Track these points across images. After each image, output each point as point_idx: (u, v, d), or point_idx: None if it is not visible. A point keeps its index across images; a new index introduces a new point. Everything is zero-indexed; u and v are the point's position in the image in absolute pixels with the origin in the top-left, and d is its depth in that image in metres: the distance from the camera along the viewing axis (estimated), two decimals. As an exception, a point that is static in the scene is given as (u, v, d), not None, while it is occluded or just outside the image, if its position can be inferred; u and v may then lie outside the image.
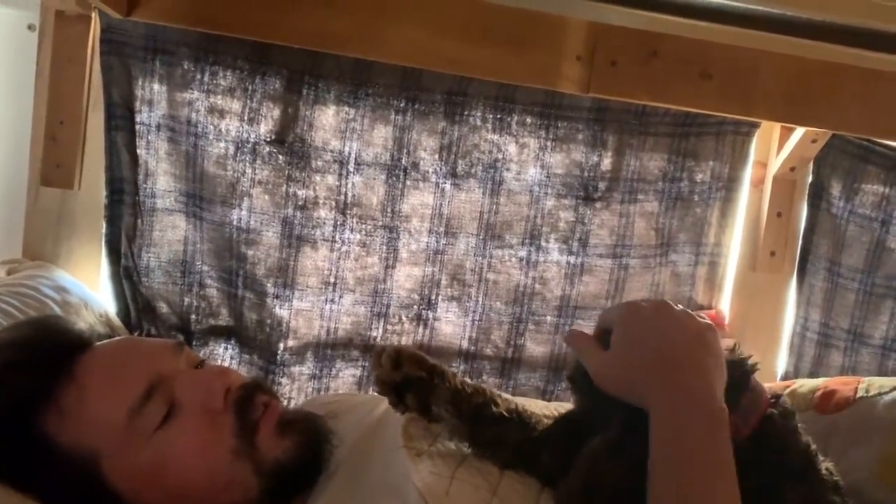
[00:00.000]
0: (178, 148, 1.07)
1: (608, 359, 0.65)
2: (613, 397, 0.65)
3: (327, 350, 1.14)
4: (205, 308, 1.12)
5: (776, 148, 1.26)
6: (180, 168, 1.07)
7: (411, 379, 0.76)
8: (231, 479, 0.73)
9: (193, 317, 1.12)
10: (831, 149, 1.25)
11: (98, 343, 0.79)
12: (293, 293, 1.10)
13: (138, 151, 1.06)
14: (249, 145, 1.06)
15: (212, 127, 1.05)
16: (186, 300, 1.12)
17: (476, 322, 1.18)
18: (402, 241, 1.13)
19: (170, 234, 1.10)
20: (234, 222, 1.08)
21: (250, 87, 1.05)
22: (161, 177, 1.08)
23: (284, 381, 1.13)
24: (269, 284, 1.09)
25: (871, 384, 0.96)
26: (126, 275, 1.09)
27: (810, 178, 1.28)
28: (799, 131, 1.20)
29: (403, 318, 1.16)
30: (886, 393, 0.92)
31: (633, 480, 0.62)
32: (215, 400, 0.74)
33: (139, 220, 1.08)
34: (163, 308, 1.12)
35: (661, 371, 0.61)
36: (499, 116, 1.12)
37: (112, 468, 0.71)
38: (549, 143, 1.14)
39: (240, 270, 1.09)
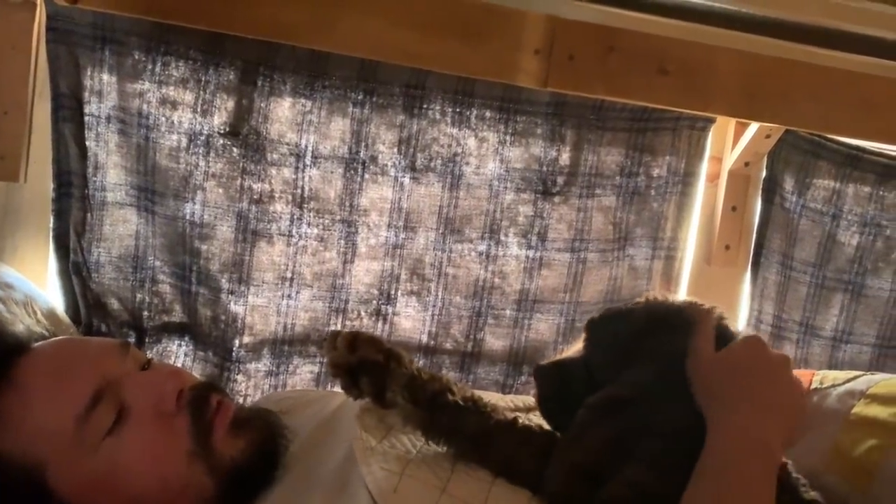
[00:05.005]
0: (128, 140, 1.04)
1: (713, 357, 0.71)
2: (620, 355, 0.73)
3: (284, 346, 1.13)
4: (157, 304, 1.10)
5: (731, 143, 1.28)
6: (131, 161, 1.05)
7: (367, 362, 0.75)
8: (186, 483, 0.71)
9: (146, 313, 1.10)
10: (784, 144, 1.27)
11: (37, 345, 0.76)
12: (248, 289, 1.08)
13: (87, 143, 1.03)
14: (203, 138, 1.04)
15: (164, 119, 1.03)
16: (138, 296, 1.09)
17: (435, 316, 1.17)
18: (361, 235, 1.12)
19: (121, 228, 1.07)
20: (188, 216, 1.05)
21: (203, 78, 1.03)
22: (111, 169, 1.05)
23: (240, 378, 1.11)
24: (223, 280, 1.07)
25: (826, 377, 0.98)
26: (75, 270, 1.06)
27: (764, 174, 1.30)
28: (753, 127, 1.22)
29: (362, 314, 1.15)
30: (840, 385, 0.95)
31: (617, 447, 0.67)
32: (168, 403, 0.72)
33: (88, 214, 1.05)
34: (114, 304, 1.09)
35: (743, 401, 0.68)
36: (458, 110, 1.11)
37: (59, 478, 0.68)
38: (507, 138, 1.14)
39: (193, 266, 1.07)
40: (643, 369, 0.73)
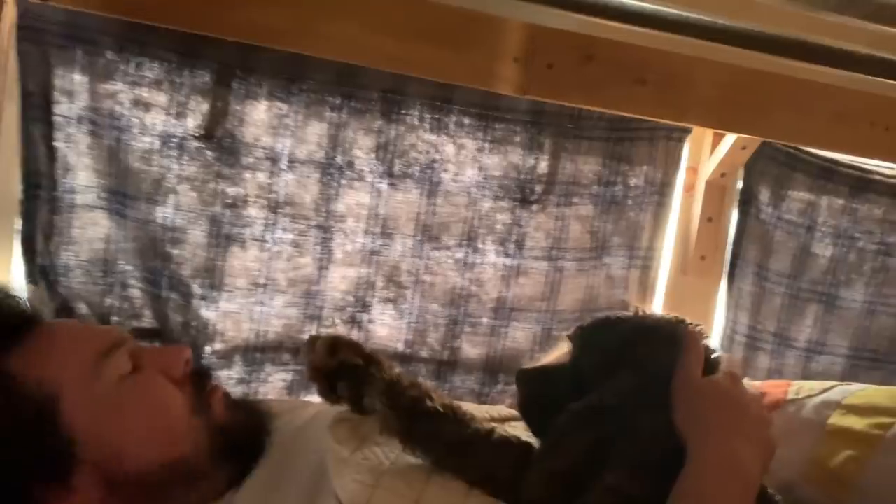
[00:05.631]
0: (99, 142, 1.02)
1: (702, 382, 0.73)
2: (608, 363, 0.73)
3: (256, 354, 1.11)
4: (127, 309, 1.07)
5: (708, 154, 1.28)
6: (102, 163, 1.02)
7: (346, 366, 0.75)
8: (187, 433, 0.73)
9: (115, 318, 1.07)
10: (760, 156, 1.28)
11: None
12: (221, 294, 1.07)
13: (56, 144, 1.01)
14: (176, 140, 1.02)
15: (136, 120, 1.01)
16: (108, 301, 1.07)
17: (412, 324, 1.16)
18: (337, 241, 1.10)
19: (90, 231, 1.05)
20: (159, 220, 1.03)
21: (178, 80, 1.01)
22: (81, 171, 1.03)
23: (211, 385, 1.09)
24: (195, 285, 1.05)
25: (801, 387, 0.99)
26: (42, 274, 1.03)
27: (740, 185, 1.31)
28: (730, 138, 1.23)
29: (337, 321, 1.13)
30: (815, 395, 0.96)
31: (596, 453, 0.67)
32: (176, 370, 0.76)
33: (57, 217, 1.02)
34: (82, 309, 1.06)
35: (727, 428, 0.70)
36: (436, 116, 1.11)
37: (72, 410, 0.69)
38: (486, 145, 1.14)
39: (164, 270, 1.05)
40: (628, 378, 0.73)
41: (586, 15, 0.99)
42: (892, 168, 1.34)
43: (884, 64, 1.07)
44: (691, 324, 0.78)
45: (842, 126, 1.15)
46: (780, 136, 1.19)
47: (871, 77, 1.09)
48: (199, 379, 0.79)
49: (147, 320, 1.08)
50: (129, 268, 1.06)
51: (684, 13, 0.98)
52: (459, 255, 1.16)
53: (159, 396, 0.73)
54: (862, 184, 1.31)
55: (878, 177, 1.32)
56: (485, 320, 1.18)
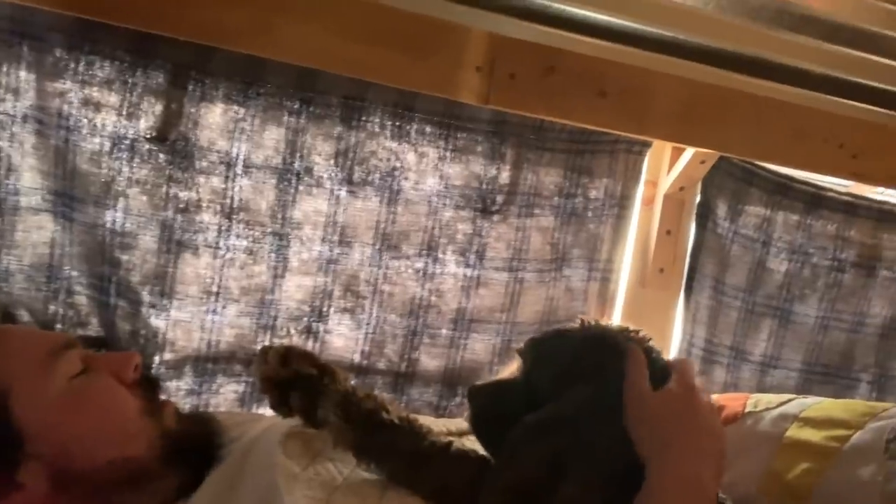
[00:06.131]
0: (46, 142, 0.98)
1: (653, 397, 0.72)
2: (560, 376, 0.72)
3: (208, 364, 1.08)
4: (72, 317, 1.03)
5: (667, 167, 1.29)
6: (49, 164, 0.98)
7: (299, 377, 0.73)
8: (138, 431, 0.74)
9: (59, 326, 1.03)
10: (718, 170, 1.29)
11: None
12: (171, 302, 1.03)
13: (0, 144, 0.97)
14: (127, 142, 0.99)
15: (86, 121, 0.97)
16: (52, 308, 1.02)
17: (369, 335, 1.14)
18: (293, 249, 1.08)
19: (35, 235, 1.00)
20: (108, 224, 1.00)
21: (130, 80, 0.98)
22: (26, 172, 0.99)
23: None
24: (144, 292, 1.02)
25: (759, 400, 0.99)
26: (-19, 279, 0.99)
27: (698, 198, 1.32)
28: (689, 152, 1.24)
29: (292, 331, 1.10)
30: (773, 408, 0.96)
31: (552, 466, 0.66)
32: (127, 372, 0.76)
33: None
34: (24, 316, 1.02)
35: (685, 444, 0.69)
36: (398, 124, 1.09)
37: (22, 405, 0.69)
38: (448, 154, 1.13)
39: (112, 277, 1.01)
40: (581, 389, 0.73)
41: (549, 26, 0.99)
42: (846, 185, 1.37)
43: (838, 83, 1.09)
44: (633, 332, 0.78)
45: (797, 143, 1.17)
46: (737, 152, 1.21)
47: (826, 96, 1.11)
48: (150, 385, 0.79)
49: (93, 328, 1.05)
50: (74, 273, 1.02)
51: (645, 27, 0.98)
52: (419, 264, 1.14)
53: (109, 396, 0.74)
54: (816, 200, 1.34)
55: (831, 193, 1.35)
56: (444, 331, 1.17)
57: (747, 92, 1.12)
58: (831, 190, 1.35)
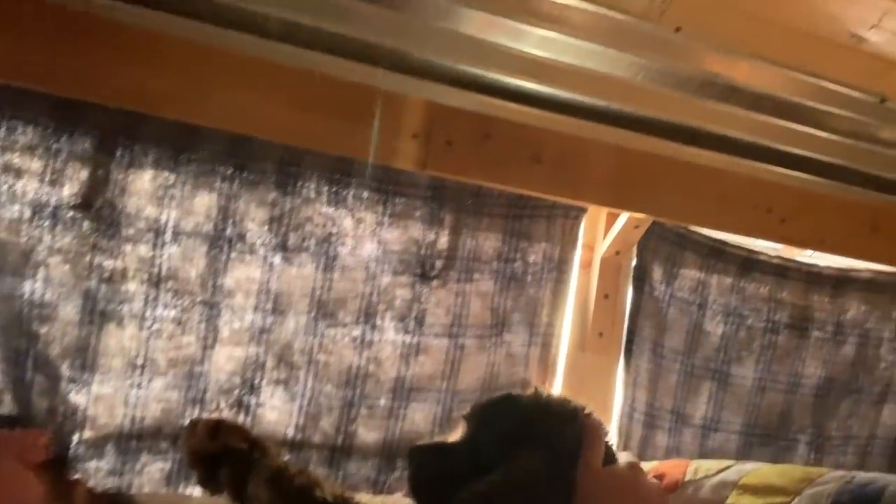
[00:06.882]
0: (-39, 209, 0.93)
1: (605, 474, 0.72)
2: (503, 443, 0.71)
3: (131, 441, 1.02)
4: (-17, 394, 0.97)
5: (603, 232, 1.31)
6: (-37, 232, 0.94)
7: (229, 451, 0.69)
8: None
9: (-32, 404, 0.97)
10: (652, 235, 1.31)
11: None
12: (93, 376, 0.98)
13: None
14: (49, 209, 0.95)
15: (5, 187, 0.94)
16: (-39, 385, 0.96)
17: (304, 407, 1.10)
18: (224, 318, 1.04)
19: (-55, 307, 0.95)
20: (26, 295, 0.95)
21: (55, 146, 0.95)
22: (-62, 241, 0.94)
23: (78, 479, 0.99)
24: (64, 366, 0.97)
25: (699, 467, 0.99)
26: None
27: (634, 262, 1.34)
28: (623, 217, 1.25)
29: (222, 404, 1.06)
30: (713, 475, 0.96)
31: None
32: (34, 454, 0.75)
33: None
34: (-71, 394, 0.95)
35: None
36: (335, 189, 1.08)
37: None
38: (386, 219, 1.12)
39: (30, 350, 0.96)
40: (529, 455, 0.71)
41: (485, 95, 1.00)
42: (776, 248, 1.41)
43: (766, 150, 1.13)
44: (590, 413, 0.77)
45: (727, 207, 1.20)
46: (669, 216, 1.23)
47: (754, 162, 1.15)
48: (60, 467, 0.76)
49: (6, 405, 0.98)
50: (-13, 347, 0.96)
51: (578, 97, 1.00)
52: (356, 332, 1.12)
53: (13, 486, 0.71)
54: (748, 263, 1.37)
55: (763, 257, 1.38)
56: (382, 401, 1.14)
57: (678, 159, 1.15)
58: (763, 253, 1.39)
